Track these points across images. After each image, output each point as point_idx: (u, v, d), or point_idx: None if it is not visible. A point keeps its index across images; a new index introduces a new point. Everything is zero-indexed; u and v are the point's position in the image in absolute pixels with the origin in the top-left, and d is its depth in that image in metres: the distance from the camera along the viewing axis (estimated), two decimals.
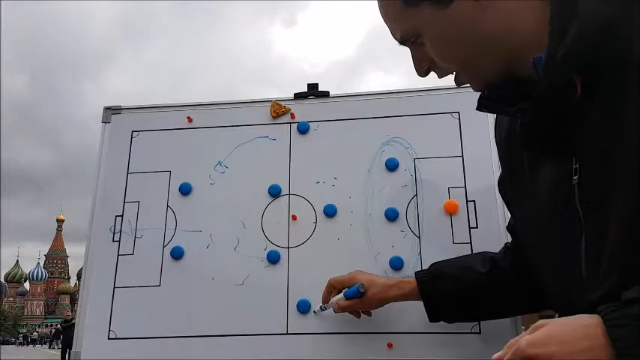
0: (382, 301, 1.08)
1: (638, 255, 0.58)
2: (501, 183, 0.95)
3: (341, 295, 1.09)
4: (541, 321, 0.58)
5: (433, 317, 1.04)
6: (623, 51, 0.60)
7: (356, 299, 1.07)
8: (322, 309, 1.16)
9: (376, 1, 0.79)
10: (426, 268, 1.07)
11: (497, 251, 1.05)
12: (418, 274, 1.05)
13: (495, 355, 0.58)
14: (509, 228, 1.02)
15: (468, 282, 1.00)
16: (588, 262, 0.65)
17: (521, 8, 0.69)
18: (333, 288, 1.13)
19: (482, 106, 0.80)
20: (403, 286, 1.06)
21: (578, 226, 0.66)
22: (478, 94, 0.81)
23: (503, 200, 0.99)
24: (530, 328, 0.58)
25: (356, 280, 1.08)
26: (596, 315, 0.54)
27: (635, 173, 0.58)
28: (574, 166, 0.66)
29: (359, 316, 1.14)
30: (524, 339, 0.55)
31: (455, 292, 1.00)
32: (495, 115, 0.94)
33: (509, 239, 1.04)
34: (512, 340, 0.58)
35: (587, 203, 0.65)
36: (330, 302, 1.12)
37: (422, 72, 0.80)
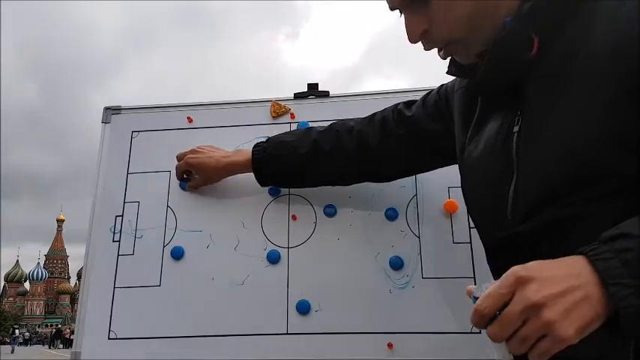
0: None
1: (556, 193, 0.65)
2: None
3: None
4: None
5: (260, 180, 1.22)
6: (583, 21, 0.67)
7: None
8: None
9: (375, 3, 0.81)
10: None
11: None
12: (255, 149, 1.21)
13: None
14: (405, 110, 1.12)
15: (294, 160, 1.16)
16: (514, 201, 0.71)
17: None
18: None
19: (451, 69, 0.85)
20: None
21: (510, 170, 0.72)
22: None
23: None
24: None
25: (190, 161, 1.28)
26: (579, 255, 0.57)
27: (567, 123, 0.65)
28: (517, 117, 0.72)
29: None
30: (517, 266, 0.57)
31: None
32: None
33: None
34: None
35: (522, 150, 0.71)
36: None
37: (415, 37, 0.79)
